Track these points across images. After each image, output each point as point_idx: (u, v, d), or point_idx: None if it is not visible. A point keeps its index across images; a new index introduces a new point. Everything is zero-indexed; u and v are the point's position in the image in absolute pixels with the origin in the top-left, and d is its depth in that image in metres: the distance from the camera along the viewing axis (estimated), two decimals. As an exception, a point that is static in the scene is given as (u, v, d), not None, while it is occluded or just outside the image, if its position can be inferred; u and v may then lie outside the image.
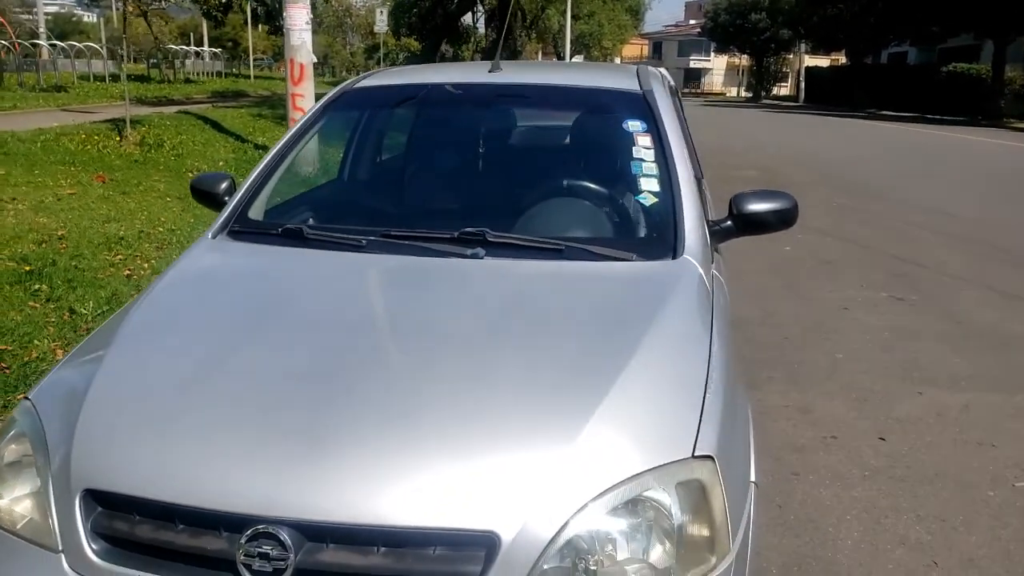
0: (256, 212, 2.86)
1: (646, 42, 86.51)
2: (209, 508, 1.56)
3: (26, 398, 1.94)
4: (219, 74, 39.93)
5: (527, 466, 1.59)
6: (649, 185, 2.68)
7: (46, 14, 40.17)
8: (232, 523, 1.54)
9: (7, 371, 3.93)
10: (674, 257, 2.42)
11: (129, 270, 5.78)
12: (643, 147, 2.77)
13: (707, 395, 1.81)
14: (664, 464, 1.63)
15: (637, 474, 1.60)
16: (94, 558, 1.60)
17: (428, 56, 32.79)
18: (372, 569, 1.51)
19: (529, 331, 2.05)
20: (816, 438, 3.81)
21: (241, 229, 2.72)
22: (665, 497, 1.60)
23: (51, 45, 27.08)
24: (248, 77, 42.73)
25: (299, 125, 3.22)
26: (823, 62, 58.84)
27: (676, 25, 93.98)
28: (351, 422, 1.67)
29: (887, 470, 3.52)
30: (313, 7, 12.43)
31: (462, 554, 1.51)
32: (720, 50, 69.36)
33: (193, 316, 2.24)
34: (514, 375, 1.84)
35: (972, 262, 7.54)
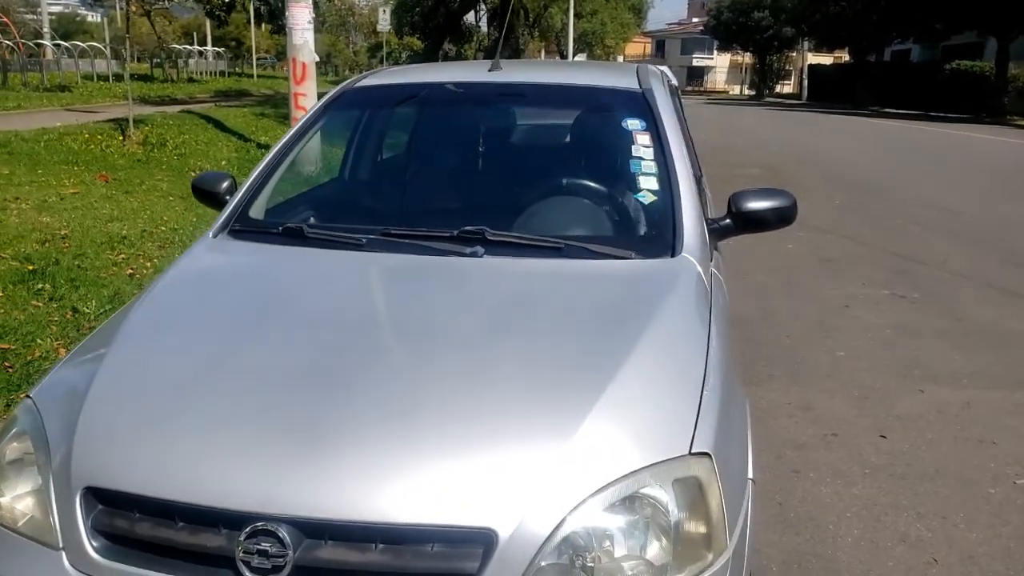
0: (257, 211, 2.87)
1: (649, 40, 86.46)
2: (208, 505, 1.57)
3: (28, 397, 1.95)
4: (222, 73, 39.96)
5: (524, 463, 1.60)
6: (648, 183, 2.69)
7: (50, 14, 40.26)
8: (231, 520, 1.55)
9: (10, 370, 3.95)
10: (673, 255, 2.42)
11: (132, 269, 5.79)
12: (642, 146, 2.78)
13: (704, 392, 1.82)
14: (661, 461, 1.63)
15: (634, 471, 1.60)
16: (94, 555, 1.61)
17: (431, 55, 32.83)
18: (370, 566, 1.52)
19: (527, 329, 2.06)
20: (817, 436, 3.82)
21: (242, 228, 2.73)
22: (662, 494, 1.61)
23: (55, 45, 27.14)
24: (251, 76, 42.74)
25: (300, 124, 3.23)
26: (826, 60, 58.79)
27: (679, 23, 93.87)
28: (350, 420, 1.68)
29: (888, 467, 3.53)
30: (316, 6, 12.46)
31: (460, 551, 1.52)
32: (723, 48, 69.26)
33: (193, 315, 2.25)
34: (512, 372, 1.85)
35: (974, 260, 7.54)
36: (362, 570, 1.52)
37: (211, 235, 2.72)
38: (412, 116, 3.72)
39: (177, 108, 17.50)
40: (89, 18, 69.59)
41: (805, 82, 54.92)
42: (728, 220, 2.71)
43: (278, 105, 18.94)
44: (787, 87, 65.93)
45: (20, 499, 1.76)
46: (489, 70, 3.31)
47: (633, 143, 2.80)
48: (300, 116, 3.43)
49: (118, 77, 25.57)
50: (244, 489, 1.57)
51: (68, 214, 7.20)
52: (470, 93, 3.30)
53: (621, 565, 1.57)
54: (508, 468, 1.59)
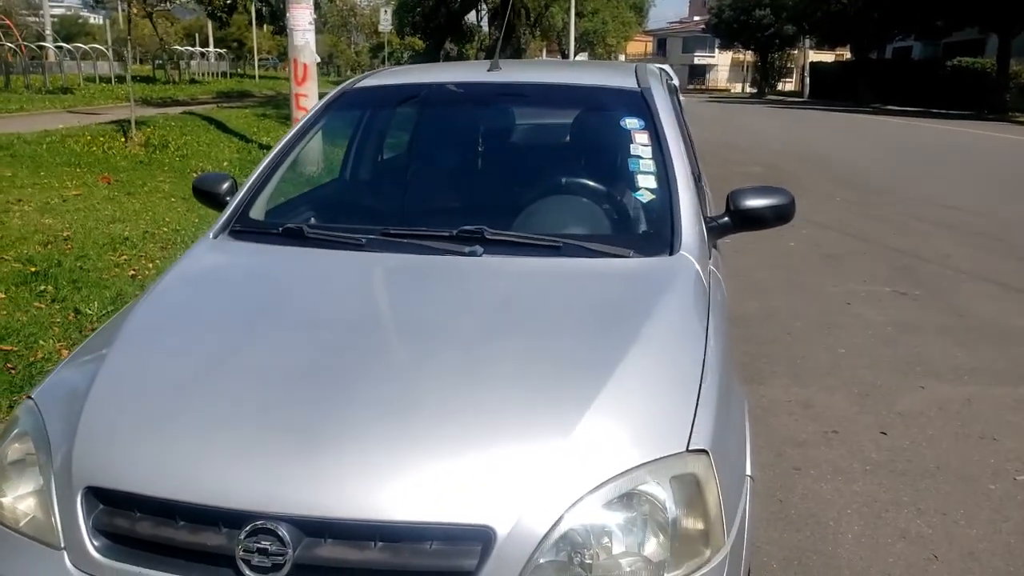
0: (257, 212, 2.88)
1: (650, 39, 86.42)
2: (209, 504, 1.58)
3: (29, 397, 1.97)
4: (224, 74, 40.01)
5: (522, 461, 1.61)
6: (646, 182, 2.70)
7: (52, 16, 40.33)
8: (231, 519, 1.56)
9: (13, 371, 3.97)
10: (671, 253, 2.43)
11: (134, 270, 5.81)
12: (641, 144, 2.79)
13: (702, 390, 1.82)
14: (659, 458, 1.64)
15: (632, 468, 1.61)
16: (96, 554, 1.62)
17: (432, 55, 32.82)
18: (369, 564, 1.53)
19: (526, 328, 2.07)
20: (817, 433, 3.82)
21: (242, 229, 2.74)
22: (660, 491, 1.62)
23: (57, 47, 27.16)
24: (253, 77, 42.77)
25: (300, 125, 3.24)
26: (828, 57, 58.76)
27: (680, 22, 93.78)
28: (349, 419, 1.69)
29: (888, 464, 3.53)
30: (317, 7, 12.47)
31: (458, 548, 1.53)
32: (724, 46, 69.28)
33: (194, 315, 2.26)
34: (510, 371, 1.86)
35: (976, 256, 7.53)
36: (361, 568, 1.53)
37: (211, 236, 2.73)
38: (412, 116, 3.74)
39: (179, 109, 17.53)
40: (91, 20, 69.71)
41: (807, 80, 54.88)
42: (726, 218, 2.72)
43: (280, 106, 18.96)
44: (789, 85, 65.85)
45: (22, 499, 1.77)
46: (488, 70, 3.32)
47: (632, 142, 2.81)
48: (301, 117, 3.44)
49: (120, 79, 25.62)
50: (244, 488, 1.58)
51: (70, 216, 7.22)
52: (469, 93, 3.31)
53: (619, 562, 1.57)
54: (506, 466, 1.60)
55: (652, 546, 1.60)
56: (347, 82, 3.53)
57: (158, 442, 1.70)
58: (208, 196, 3.03)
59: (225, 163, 11.27)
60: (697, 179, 2.97)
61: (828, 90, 49.86)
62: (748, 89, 69.86)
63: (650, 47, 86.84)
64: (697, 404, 1.77)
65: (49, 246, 6.15)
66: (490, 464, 1.60)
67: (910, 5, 35.31)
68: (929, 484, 3.37)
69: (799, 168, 14.28)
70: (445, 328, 2.07)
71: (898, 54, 48.97)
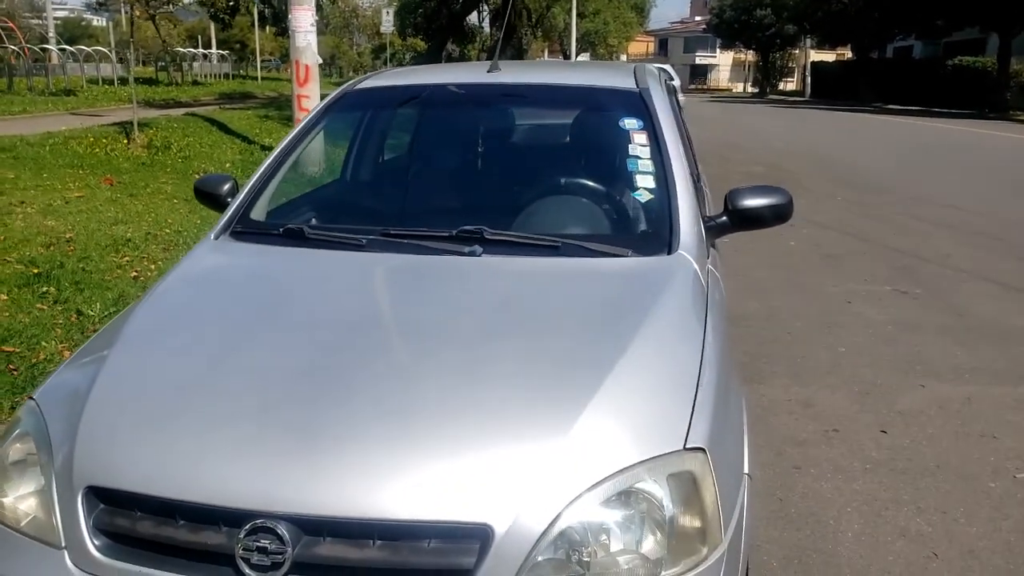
0: (258, 213, 2.90)
1: (652, 39, 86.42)
2: (209, 504, 1.59)
3: (31, 398, 1.98)
4: (227, 76, 40.02)
5: (521, 459, 1.62)
6: (645, 182, 2.71)
7: (56, 19, 40.39)
8: (231, 518, 1.57)
9: (15, 373, 3.98)
10: (669, 253, 2.44)
11: (136, 272, 5.83)
12: (639, 144, 2.80)
13: (699, 388, 1.83)
14: (656, 456, 1.65)
15: (629, 466, 1.62)
16: (96, 554, 1.63)
17: (434, 56, 32.80)
18: (368, 562, 1.54)
19: (524, 327, 2.08)
20: (818, 432, 3.83)
21: (243, 230, 2.75)
22: (657, 489, 1.63)
23: (60, 49, 27.21)
24: (256, 79, 42.81)
25: (301, 127, 3.26)
26: (829, 57, 58.72)
27: (682, 22, 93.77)
28: (349, 418, 1.70)
29: (888, 463, 3.53)
30: (320, 8, 12.49)
31: (456, 546, 1.54)
32: (726, 46, 69.14)
33: (194, 316, 2.28)
34: (509, 370, 1.87)
35: (976, 256, 7.53)
36: (360, 566, 1.54)
37: (213, 237, 2.75)
38: (412, 117, 3.75)
39: (181, 111, 17.55)
40: (94, 22, 69.75)
41: (808, 79, 54.87)
42: (724, 218, 2.73)
43: (282, 107, 19.00)
44: (790, 84, 65.80)
45: (23, 499, 1.78)
46: (488, 71, 3.33)
47: (630, 142, 2.82)
48: (303, 118, 3.45)
49: (123, 81, 25.67)
50: (244, 487, 1.59)
51: (73, 217, 7.24)
52: (469, 94, 3.32)
53: (616, 559, 1.58)
54: (504, 464, 1.61)
55: (649, 544, 1.60)
56: (348, 83, 3.54)
57: (158, 442, 1.71)
58: (209, 197, 3.04)
59: (227, 164, 11.29)
60: (696, 179, 2.98)
61: (829, 90, 49.85)
62: (750, 89, 69.86)
63: (651, 47, 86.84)
64: (694, 403, 1.78)
65: (51, 248, 6.16)
66: (488, 463, 1.61)
67: (910, 5, 35.34)
68: (929, 482, 3.37)
69: (800, 167, 14.27)
70: (444, 328, 2.08)
71: (899, 53, 48.95)
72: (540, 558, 1.54)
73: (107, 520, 1.66)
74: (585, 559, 1.56)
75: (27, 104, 17.88)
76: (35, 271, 5.47)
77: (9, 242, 6.16)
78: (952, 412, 4.06)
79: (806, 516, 3.12)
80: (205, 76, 36.72)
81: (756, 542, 2.90)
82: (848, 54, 53.53)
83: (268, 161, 3.07)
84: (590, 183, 2.99)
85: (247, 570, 1.53)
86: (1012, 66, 33.67)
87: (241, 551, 1.54)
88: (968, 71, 36.54)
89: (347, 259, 2.49)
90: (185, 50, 39.39)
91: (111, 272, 5.73)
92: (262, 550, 1.53)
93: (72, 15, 73.03)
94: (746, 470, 1.96)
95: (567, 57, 39.99)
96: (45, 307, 4.89)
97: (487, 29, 39.81)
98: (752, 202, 2.70)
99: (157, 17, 38.88)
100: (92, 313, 4.82)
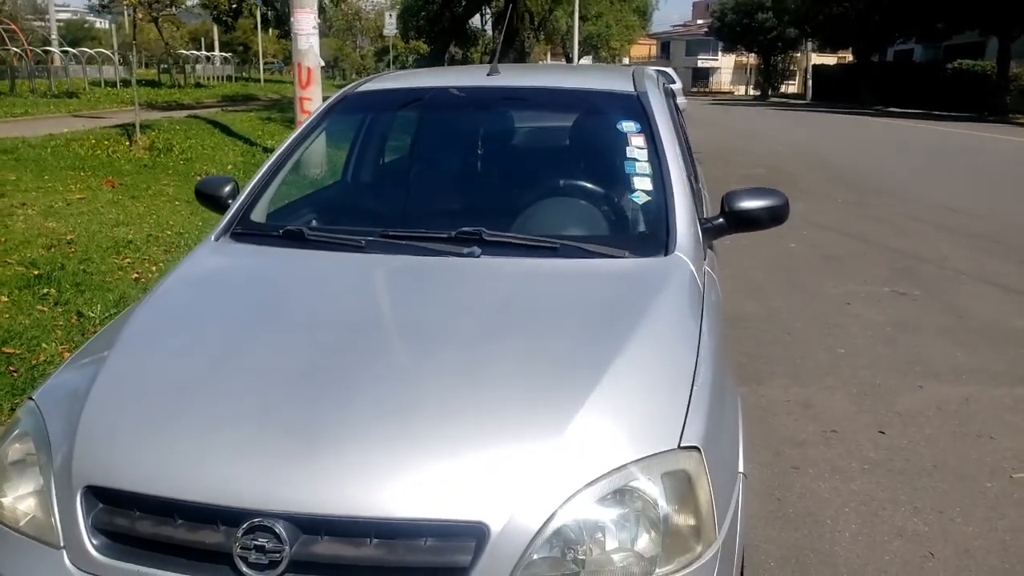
0: (259, 215, 2.91)
1: (654, 42, 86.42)
2: (207, 503, 1.60)
3: (30, 398, 1.99)
4: (229, 78, 40.08)
5: (517, 458, 1.63)
6: (642, 184, 2.73)
7: (58, 21, 40.44)
8: (229, 517, 1.59)
9: (15, 374, 4.00)
10: (666, 254, 2.46)
11: (137, 273, 5.84)
12: (637, 147, 2.81)
13: (694, 388, 1.85)
14: (651, 455, 1.66)
15: (624, 465, 1.63)
16: (95, 553, 1.64)
17: (437, 58, 32.85)
18: (365, 560, 1.55)
19: (522, 327, 2.09)
20: (816, 432, 3.84)
21: (244, 231, 2.77)
22: (651, 487, 1.64)
23: (63, 51, 27.24)
24: (258, 81, 42.84)
25: (301, 129, 3.28)
26: (830, 60, 58.68)
27: (684, 25, 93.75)
28: (347, 419, 1.72)
29: (886, 463, 3.55)
30: (322, 11, 12.51)
31: (452, 544, 1.55)
32: (728, 49, 69.19)
33: (194, 317, 2.29)
34: (506, 370, 1.89)
35: (975, 258, 7.54)
36: (357, 564, 1.55)
37: (213, 238, 2.77)
38: (412, 120, 3.77)
39: (184, 113, 17.57)
40: (97, 24, 69.88)
41: (809, 82, 54.87)
42: (721, 219, 2.74)
43: (284, 109, 19.04)
44: (791, 87, 65.81)
45: (22, 499, 1.79)
46: (487, 74, 3.35)
47: (628, 145, 2.83)
48: (305, 120, 3.48)
49: (125, 83, 25.72)
50: (242, 487, 1.61)
51: (74, 219, 7.25)
52: (469, 97, 3.33)
53: (611, 557, 1.59)
54: (501, 463, 1.62)
55: (644, 542, 1.62)
56: (348, 86, 3.56)
57: (158, 442, 1.72)
58: (211, 199, 3.06)
59: (229, 166, 11.31)
60: (693, 181, 2.99)
61: (830, 92, 49.86)
62: (751, 92, 69.83)
63: (654, 50, 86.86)
64: (689, 402, 1.80)
65: (52, 249, 6.18)
66: (484, 462, 1.63)
67: (911, 8, 35.34)
68: (926, 483, 3.38)
69: (801, 170, 14.29)
70: (443, 328, 2.10)
71: (899, 57, 49.00)
72: (536, 556, 1.55)
73: (106, 520, 1.67)
74: (580, 557, 1.57)
75: (29, 106, 17.91)
76: (36, 273, 5.48)
77: (10, 244, 6.17)
78: (950, 413, 4.07)
79: (804, 516, 3.13)
80: (208, 78, 36.77)
81: (754, 542, 2.92)
82: (849, 57, 53.49)
83: (268, 163, 3.09)
84: (588, 185, 3.00)
85: (245, 569, 1.55)
86: (1012, 69, 33.65)
87: (239, 550, 1.55)
88: (968, 74, 36.54)
89: (347, 260, 2.51)
90: (188, 52, 39.44)
91: (112, 274, 5.75)
92: (260, 549, 1.54)
93: (75, 17, 73.16)
94: (741, 469, 1.97)
95: (569, 60, 40.03)
96: (46, 309, 4.90)
97: (490, 32, 39.86)
98: (748, 204, 2.71)
99: (160, 19, 39.00)
100: (93, 315, 4.83)
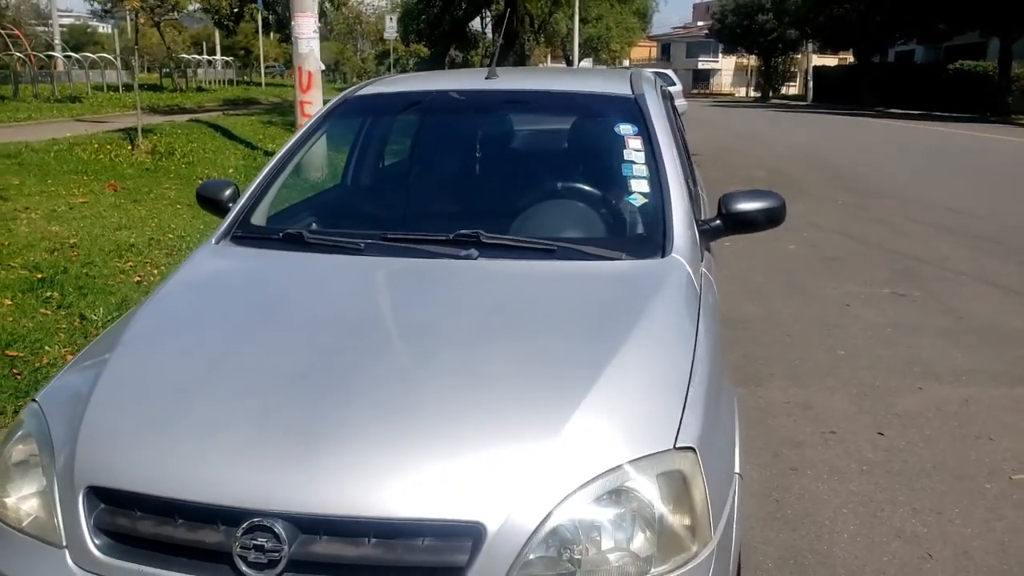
0: (259, 218, 2.93)
1: (654, 44, 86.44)
2: (207, 503, 1.62)
3: (33, 400, 2.01)
4: (231, 82, 40.18)
5: (513, 458, 1.64)
6: (639, 186, 2.74)
7: (61, 26, 40.52)
8: (229, 517, 1.60)
9: (18, 377, 4.02)
10: (663, 256, 2.47)
11: (139, 277, 5.87)
12: (634, 150, 2.83)
13: (690, 389, 1.86)
14: (646, 455, 1.68)
15: (619, 465, 1.65)
16: (97, 553, 1.66)
17: (437, 61, 32.88)
18: (363, 560, 1.57)
19: (519, 329, 2.11)
20: (815, 433, 3.85)
21: (244, 234, 2.79)
22: (647, 487, 1.65)
23: (66, 56, 27.32)
24: (260, 85, 42.90)
25: (301, 133, 3.29)
26: (831, 61, 58.69)
27: (684, 27, 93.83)
28: (346, 420, 1.73)
29: (885, 464, 3.55)
30: (323, 15, 12.54)
31: (449, 544, 1.56)
32: (728, 51, 69.29)
33: (195, 320, 2.31)
34: (503, 371, 1.90)
35: (975, 259, 7.54)
36: (355, 564, 1.57)
37: (213, 241, 2.78)
38: (410, 123, 3.78)
39: (186, 117, 17.63)
40: (100, 29, 69.98)
41: (810, 84, 54.89)
42: (718, 221, 2.76)
43: (285, 113, 19.08)
44: (792, 89, 65.83)
45: (25, 500, 1.81)
46: (486, 78, 3.36)
47: (625, 147, 2.85)
48: (305, 124, 3.51)
49: (128, 87, 25.80)
50: (242, 487, 1.62)
51: (77, 223, 7.28)
52: (467, 101, 3.35)
53: (607, 557, 1.61)
54: (498, 464, 1.64)
55: (639, 541, 1.63)
56: (347, 90, 3.58)
57: (159, 443, 1.74)
58: (211, 203, 3.08)
59: (231, 170, 11.34)
60: (691, 183, 3.01)
61: (831, 94, 49.86)
62: (752, 93, 69.84)
63: (654, 52, 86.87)
64: (685, 403, 1.81)
65: (55, 253, 6.21)
66: (482, 462, 1.64)
67: (912, 9, 35.35)
68: (925, 484, 3.39)
69: (801, 171, 14.30)
70: (441, 330, 2.11)
71: (900, 58, 49.00)
72: (532, 556, 1.56)
73: (107, 520, 1.69)
74: (576, 556, 1.59)
75: (32, 111, 17.98)
76: (39, 276, 5.51)
77: (14, 247, 6.20)
78: (949, 414, 4.08)
79: (802, 517, 3.14)
80: (209, 82, 36.87)
81: (752, 542, 2.93)
82: (850, 58, 53.52)
83: (268, 167, 3.10)
84: (586, 187, 3.02)
85: (244, 568, 1.56)
86: (1013, 70, 33.68)
87: (238, 549, 1.57)
88: (969, 75, 36.53)
89: (346, 263, 2.52)
90: (190, 56, 39.55)
91: (114, 277, 5.77)
92: (259, 548, 1.56)
93: (78, 22, 73.30)
94: (737, 469, 1.98)
95: (569, 63, 40.02)
96: (49, 312, 4.93)
97: (490, 35, 39.89)
98: (745, 206, 2.73)
99: (162, 24, 39.08)
100: (95, 318, 4.85)
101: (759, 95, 63.53)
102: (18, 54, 22.92)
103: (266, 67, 51.94)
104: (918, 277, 6.86)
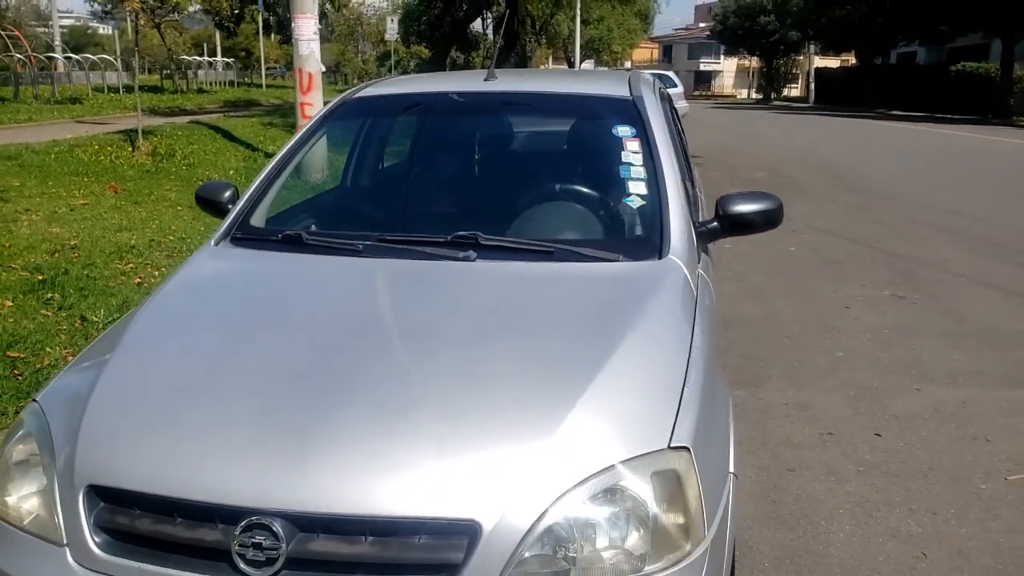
0: (258, 219, 2.94)
1: (656, 46, 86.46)
2: (206, 501, 1.64)
3: (34, 400, 2.02)
4: (231, 84, 40.22)
5: (509, 457, 1.66)
6: (637, 188, 2.76)
7: (62, 27, 40.57)
8: (227, 515, 1.62)
9: (19, 378, 4.04)
10: (660, 257, 2.48)
11: (140, 278, 5.88)
12: (632, 151, 2.84)
13: (685, 389, 1.88)
14: (641, 455, 1.69)
15: (614, 464, 1.67)
16: (97, 551, 1.68)
17: (438, 63, 32.89)
18: (360, 557, 1.59)
19: (516, 330, 2.12)
20: (813, 434, 3.86)
21: (243, 236, 2.80)
22: (641, 486, 1.67)
23: (66, 58, 27.36)
24: (260, 86, 42.93)
25: (300, 134, 3.31)
26: (833, 63, 58.72)
27: (686, 28, 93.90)
28: (344, 419, 1.75)
29: (881, 465, 3.57)
30: (324, 16, 12.57)
31: (445, 542, 1.58)
32: (730, 52, 69.33)
33: (194, 320, 2.32)
34: (500, 371, 1.92)
35: (975, 261, 7.55)
36: (352, 561, 1.59)
37: (213, 243, 2.80)
38: (410, 125, 3.80)
39: (186, 119, 17.65)
40: (100, 31, 70.03)
41: (812, 85, 54.90)
42: (715, 223, 2.77)
43: (286, 114, 19.10)
44: (794, 90, 65.88)
45: (26, 499, 1.83)
46: (484, 79, 3.38)
47: (623, 149, 2.87)
48: (304, 126, 3.52)
49: (128, 89, 25.80)
50: (241, 486, 1.64)
51: (77, 225, 7.30)
52: (466, 102, 3.37)
53: (601, 555, 1.63)
54: (493, 463, 1.65)
55: (633, 540, 1.65)
56: (346, 92, 3.59)
57: (158, 442, 1.76)
58: (211, 204, 3.09)
59: (231, 171, 11.36)
60: (689, 184, 3.02)
61: (833, 95, 49.88)
62: (754, 95, 69.91)
63: (656, 54, 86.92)
64: (680, 403, 1.83)
65: (56, 254, 6.23)
66: (478, 461, 1.66)
67: (914, 10, 35.37)
68: (921, 484, 3.41)
69: (802, 173, 14.31)
70: (438, 331, 2.13)
71: (903, 59, 49.00)
72: (527, 554, 1.58)
73: (107, 518, 1.71)
74: (571, 555, 1.60)
75: (33, 112, 18.00)
76: (40, 278, 5.52)
77: (15, 249, 6.22)
78: (947, 415, 4.10)
79: (798, 517, 3.15)
80: (210, 84, 36.92)
81: (749, 542, 2.94)
82: (852, 60, 53.53)
83: (267, 169, 3.12)
84: (583, 189, 3.04)
85: (243, 566, 1.58)
86: (1015, 72, 33.68)
87: (237, 547, 1.59)
88: (971, 77, 36.53)
89: (344, 264, 2.54)
90: (190, 58, 39.57)
91: (115, 279, 5.79)
92: (257, 546, 1.58)
93: (78, 23, 73.37)
94: (731, 469, 2.00)
95: (571, 64, 40.03)
96: (49, 313, 4.94)
97: (491, 36, 39.93)
98: (742, 208, 2.74)
99: (162, 25, 39.12)
100: (96, 319, 4.87)
101: (761, 97, 63.58)
102: (18, 55, 22.93)
103: (267, 69, 51.95)
104: (918, 279, 6.87)
